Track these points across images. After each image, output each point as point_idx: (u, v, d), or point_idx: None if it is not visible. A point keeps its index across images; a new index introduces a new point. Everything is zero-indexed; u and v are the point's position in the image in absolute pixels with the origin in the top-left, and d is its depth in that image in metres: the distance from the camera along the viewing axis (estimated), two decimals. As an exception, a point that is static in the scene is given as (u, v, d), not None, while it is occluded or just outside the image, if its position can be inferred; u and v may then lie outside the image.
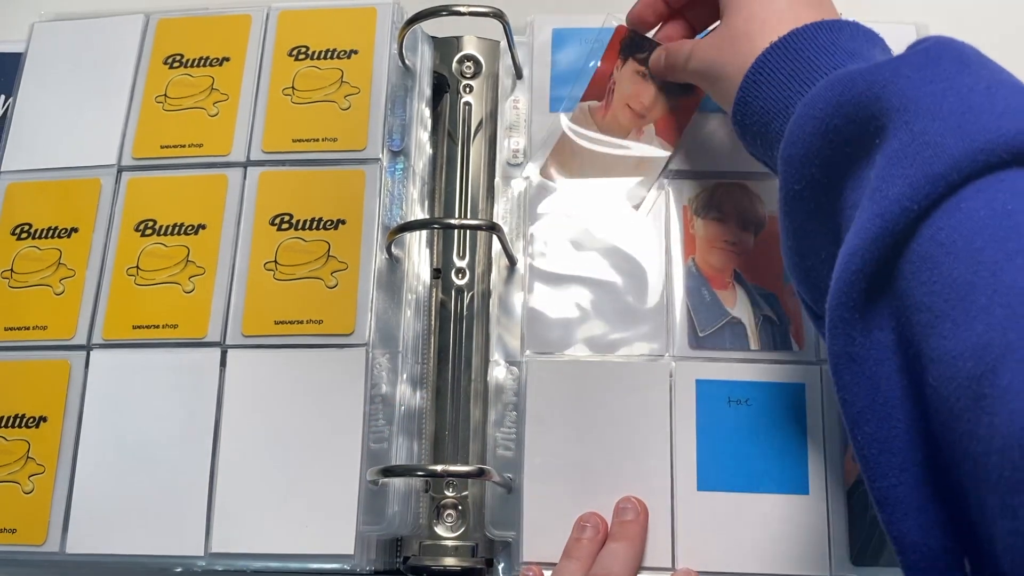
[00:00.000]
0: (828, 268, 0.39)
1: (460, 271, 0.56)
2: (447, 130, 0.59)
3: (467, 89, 0.60)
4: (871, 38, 0.43)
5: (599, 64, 0.56)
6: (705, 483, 0.49)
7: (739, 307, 0.52)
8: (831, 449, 0.49)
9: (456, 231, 0.57)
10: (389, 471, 0.48)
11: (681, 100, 0.55)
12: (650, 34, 0.56)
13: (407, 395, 0.52)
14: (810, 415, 0.50)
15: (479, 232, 0.56)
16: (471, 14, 0.54)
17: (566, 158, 0.55)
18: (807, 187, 0.40)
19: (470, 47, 0.61)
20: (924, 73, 0.36)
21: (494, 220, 0.56)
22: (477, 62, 0.60)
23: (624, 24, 0.56)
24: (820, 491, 0.48)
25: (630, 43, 0.56)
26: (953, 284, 0.31)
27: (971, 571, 0.34)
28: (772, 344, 0.51)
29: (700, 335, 0.52)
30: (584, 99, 0.56)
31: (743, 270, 0.53)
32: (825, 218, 0.40)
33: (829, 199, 0.40)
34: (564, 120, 0.56)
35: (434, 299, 0.56)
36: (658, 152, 0.55)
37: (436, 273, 0.56)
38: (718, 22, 0.49)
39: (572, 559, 0.47)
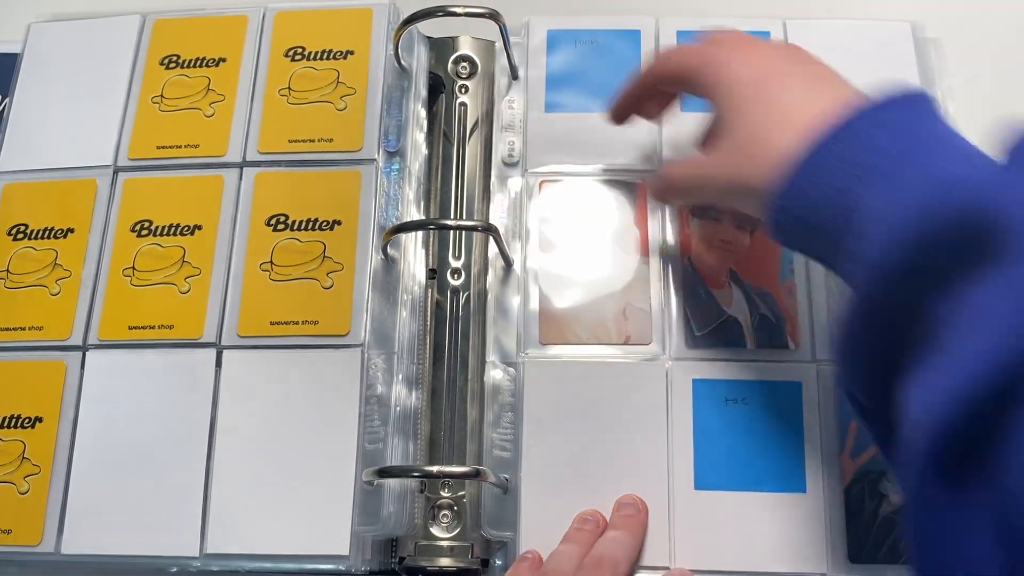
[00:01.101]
0: (887, 369, 0.35)
1: (456, 271, 0.56)
2: (443, 130, 0.59)
3: (463, 89, 0.60)
4: (920, 109, 0.38)
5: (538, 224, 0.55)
6: (702, 482, 0.49)
7: (735, 306, 0.52)
8: (828, 447, 0.49)
9: (452, 232, 0.57)
10: (385, 472, 0.48)
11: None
12: None
13: (403, 395, 0.52)
14: (807, 413, 0.50)
15: (475, 233, 0.56)
16: (467, 15, 0.54)
17: (560, 324, 0.53)
18: (887, 291, 0.35)
19: (465, 47, 0.61)
20: None
21: (490, 220, 0.56)
22: (473, 62, 0.60)
23: (545, 180, 0.55)
24: (817, 489, 0.49)
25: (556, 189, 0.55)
26: None
27: None
28: (768, 343, 0.51)
29: (696, 334, 0.52)
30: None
31: (739, 269, 0.53)
32: (897, 321, 0.35)
33: (908, 303, 0.35)
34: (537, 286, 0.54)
35: (430, 299, 0.56)
36: (640, 266, 0.54)
37: (432, 273, 0.56)
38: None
39: (572, 543, 0.48)
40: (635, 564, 0.48)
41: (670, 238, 0.54)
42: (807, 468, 0.49)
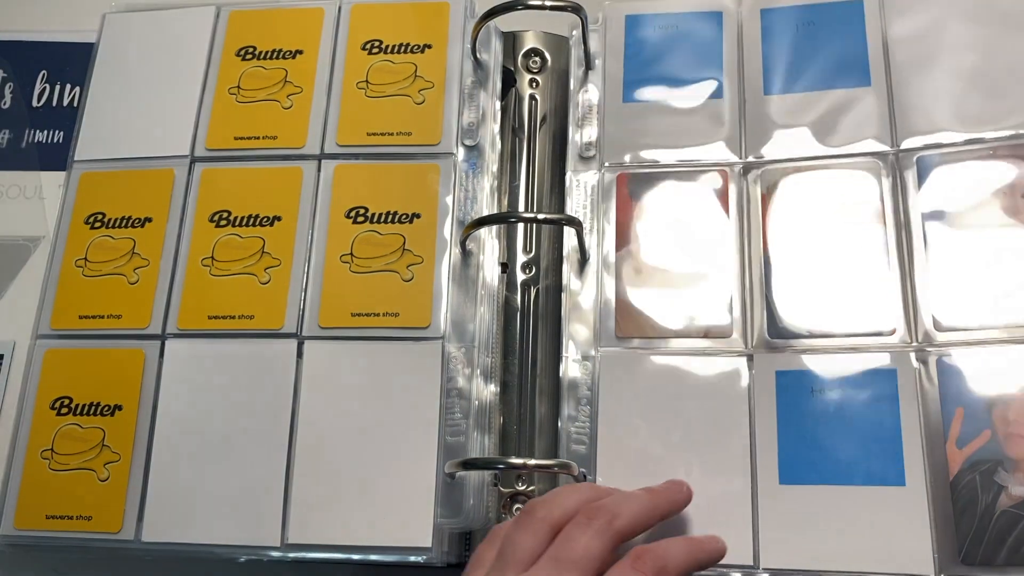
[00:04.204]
0: None
1: (526, 266, 0.56)
2: (512, 125, 0.59)
3: (533, 83, 0.60)
4: None
5: (615, 218, 0.55)
6: (788, 476, 0.48)
7: None
8: (930, 436, 0.46)
9: (523, 225, 0.57)
10: (470, 464, 0.48)
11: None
12: None
13: (480, 388, 0.52)
14: (904, 402, 0.47)
15: (546, 227, 0.56)
16: (551, 8, 0.54)
17: (636, 316, 0.53)
18: None
19: (536, 42, 0.61)
20: None
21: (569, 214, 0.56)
22: (543, 56, 0.60)
23: (624, 172, 0.56)
24: (919, 482, 0.46)
25: (635, 183, 0.55)
26: None
27: None
28: (859, 328, 0.50)
29: (779, 324, 0.51)
30: (619, 248, 0.54)
31: None
32: None
33: None
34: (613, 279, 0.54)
35: (500, 293, 0.56)
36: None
37: (503, 268, 0.57)
38: None
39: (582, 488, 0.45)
40: (639, 526, 0.44)
41: (750, 228, 0.53)
42: (905, 459, 0.46)
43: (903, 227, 0.51)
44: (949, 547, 0.45)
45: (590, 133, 0.57)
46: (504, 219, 0.54)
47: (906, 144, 0.53)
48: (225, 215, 0.55)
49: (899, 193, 0.52)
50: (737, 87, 0.56)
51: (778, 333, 0.51)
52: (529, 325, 0.55)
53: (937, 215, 0.51)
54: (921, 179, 0.52)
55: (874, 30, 0.55)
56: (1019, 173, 0.50)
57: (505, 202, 0.58)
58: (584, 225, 0.55)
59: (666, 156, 0.56)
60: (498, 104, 0.58)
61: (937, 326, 0.49)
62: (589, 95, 0.58)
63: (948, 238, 0.50)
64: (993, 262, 0.49)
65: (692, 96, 0.57)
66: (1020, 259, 0.49)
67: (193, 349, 0.53)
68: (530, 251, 0.57)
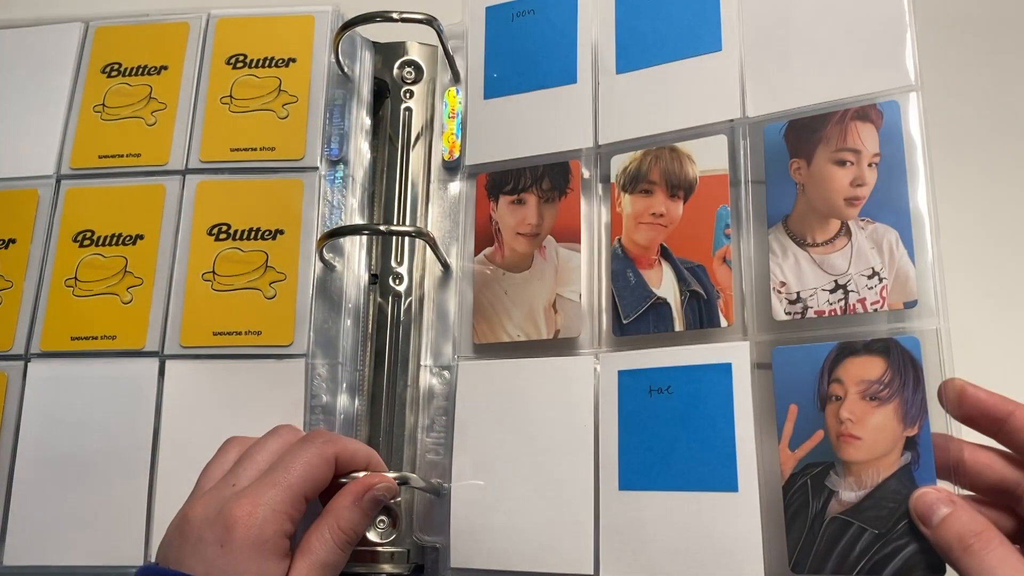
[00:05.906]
0: None
1: (398, 276, 0.57)
2: (389, 135, 0.60)
3: (408, 95, 0.60)
4: None
5: (474, 215, 0.55)
6: (627, 482, 0.47)
7: (665, 285, 0.49)
8: (763, 438, 0.44)
9: (393, 237, 0.57)
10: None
11: (562, 199, 0.54)
12: None
13: (345, 404, 0.52)
14: (738, 399, 0.45)
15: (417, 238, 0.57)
16: (404, 20, 0.54)
17: (492, 322, 0.53)
18: None
19: (412, 53, 0.61)
20: None
21: (430, 225, 0.56)
22: (418, 67, 0.60)
23: (483, 173, 0.55)
24: (751, 487, 0.44)
25: (492, 183, 0.55)
26: None
27: None
28: (698, 322, 0.48)
29: (624, 322, 0.50)
30: (477, 252, 0.54)
31: (671, 243, 0.50)
32: None
33: None
34: (472, 287, 0.54)
35: (371, 305, 0.56)
36: (571, 253, 0.53)
37: (373, 279, 0.57)
38: None
39: None
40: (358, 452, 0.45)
41: (601, 221, 0.52)
42: (739, 463, 0.44)
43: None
44: (779, 555, 0.43)
45: (454, 140, 0.57)
46: (356, 231, 0.54)
47: (753, 112, 0.50)
48: (89, 235, 0.55)
49: (747, 163, 0.49)
50: (591, 70, 0.54)
51: (623, 330, 0.50)
52: (398, 336, 0.56)
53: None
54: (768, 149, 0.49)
55: None
56: (866, 138, 0.46)
57: (379, 215, 0.59)
58: (449, 234, 0.55)
59: (522, 149, 0.55)
60: (367, 117, 0.58)
61: (774, 313, 0.46)
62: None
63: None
64: (833, 243, 0.46)
65: (547, 84, 0.55)
66: (858, 235, 0.46)
67: (56, 370, 0.53)
68: (401, 262, 0.57)
